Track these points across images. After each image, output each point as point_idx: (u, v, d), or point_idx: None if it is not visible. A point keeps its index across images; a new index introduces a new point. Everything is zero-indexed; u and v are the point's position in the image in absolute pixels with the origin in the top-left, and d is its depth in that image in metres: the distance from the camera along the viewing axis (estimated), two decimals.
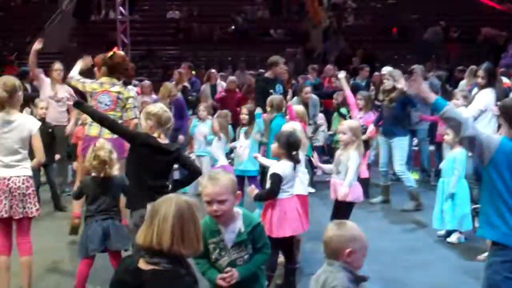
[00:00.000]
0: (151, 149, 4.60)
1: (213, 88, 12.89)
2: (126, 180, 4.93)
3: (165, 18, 24.02)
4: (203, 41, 21.77)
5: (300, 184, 5.44)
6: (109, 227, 4.86)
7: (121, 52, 6.88)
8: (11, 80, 4.91)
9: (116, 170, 4.98)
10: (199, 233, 2.64)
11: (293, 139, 5.05)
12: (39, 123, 5.00)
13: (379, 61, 17.84)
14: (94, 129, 6.32)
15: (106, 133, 5.87)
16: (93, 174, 5.00)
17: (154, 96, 10.95)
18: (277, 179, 4.91)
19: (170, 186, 4.75)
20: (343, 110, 9.41)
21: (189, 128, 9.34)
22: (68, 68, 7.45)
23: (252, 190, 4.93)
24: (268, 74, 9.13)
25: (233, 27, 22.40)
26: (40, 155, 4.91)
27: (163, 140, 4.73)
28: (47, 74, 8.89)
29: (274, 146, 5.10)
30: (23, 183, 4.80)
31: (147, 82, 11.94)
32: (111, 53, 6.59)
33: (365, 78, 13.46)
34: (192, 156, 9.05)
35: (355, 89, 9.59)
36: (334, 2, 25.12)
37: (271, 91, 8.47)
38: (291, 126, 5.72)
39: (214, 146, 7.61)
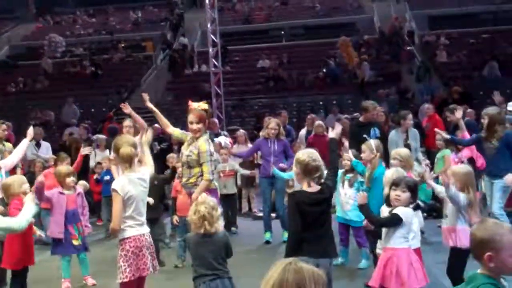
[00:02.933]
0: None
1: (309, 134, 12.81)
2: (229, 237, 4.79)
3: (255, 67, 24.37)
4: (294, 87, 21.82)
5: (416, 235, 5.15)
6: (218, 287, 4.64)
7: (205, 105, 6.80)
8: (132, 138, 5.18)
9: (219, 227, 4.74)
10: None
11: (413, 184, 4.91)
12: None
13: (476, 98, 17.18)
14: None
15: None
16: (195, 230, 4.86)
17: (249, 145, 10.94)
18: (397, 219, 4.76)
19: None
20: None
21: None
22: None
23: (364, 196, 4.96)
24: (361, 119, 8.91)
25: (324, 70, 22.34)
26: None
27: (312, 188, 4.60)
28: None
29: (404, 195, 4.89)
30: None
31: (241, 131, 11.98)
32: (204, 106, 6.60)
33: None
34: None
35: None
36: (425, 40, 24.68)
37: (365, 136, 8.22)
38: (396, 170, 5.45)
39: None
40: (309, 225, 4.49)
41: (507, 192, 7.69)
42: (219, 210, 4.76)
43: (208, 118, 6.67)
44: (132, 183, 4.86)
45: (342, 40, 22.32)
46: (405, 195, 4.81)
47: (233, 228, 9.81)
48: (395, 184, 4.89)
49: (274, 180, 8.90)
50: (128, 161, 4.90)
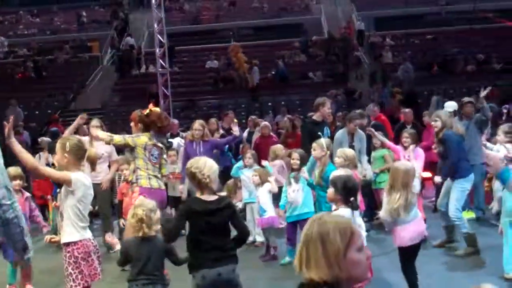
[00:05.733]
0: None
1: (251, 135, 12.86)
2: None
3: (204, 68, 24.27)
4: (243, 88, 21.85)
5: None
6: None
7: (157, 109, 6.87)
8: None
9: (156, 231, 4.64)
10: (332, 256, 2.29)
11: (351, 184, 4.76)
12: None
13: (422, 98, 17.55)
14: (154, 181, 6.51)
15: None
16: (134, 234, 4.76)
17: None
18: None
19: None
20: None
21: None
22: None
23: None
24: (315, 117, 8.86)
25: (273, 72, 22.43)
26: None
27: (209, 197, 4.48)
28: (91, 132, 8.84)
29: (330, 191, 4.82)
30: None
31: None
32: (147, 110, 6.62)
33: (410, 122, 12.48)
34: (239, 205, 8.91)
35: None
36: (371, 41, 25.10)
37: (319, 133, 8.21)
38: (345, 171, 5.45)
39: (262, 196, 7.38)
40: (204, 233, 4.40)
41: (465, 194, 7.77)
42: (158, 212, 4.68)
43: (144, 121, 6.70)
44: (85, 179, 4.73)
45: (233, 45, 22.39)
46: (330, 191, 4.80)
47: (182, 231, 9.69)
48: (332, 183, 4.87)
49: None
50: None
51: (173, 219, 4.75)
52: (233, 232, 4.60)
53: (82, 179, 4.68)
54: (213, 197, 4.40)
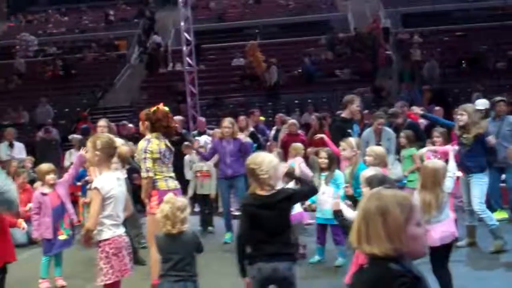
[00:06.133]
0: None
1: (278, 133, 12.83)
2: (198, 236, 4.75)
3: (230, 66, 24.28)
4: (270, 86, 21.79)
5: None
6: None
7: (165, 108, 6.65)
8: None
9: (183, 229, 4.61)
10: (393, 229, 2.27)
11: (387, 183, 4.62)
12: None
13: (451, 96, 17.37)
14: (170, 182, 6.40)
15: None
16: (161, 229, 4.78)
17: None
18: None
19: None
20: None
21: None
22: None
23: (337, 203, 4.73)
24: (345, 114, 8.80)
25: (299, 70, 22.34)
26: None
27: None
28: (119, 129, 8.89)
29: (365, 190, 4.75)
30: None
31: (217, 130, 11.90)
32: (154, 108, 6.54)
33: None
34: None
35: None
36: (399, 38, 24.85)
37: (349, 131, 8.15)
38: (376, 170, 5.42)
39: None
40: (261, 227, 4.37)
41: (485, 187, 7.69)
42: (187, 211, 4.64)
43: (151, 118, 6.47)
44: (113, 182, 4.81)
45: (250, 44, 22.18)
46: (365, 191, 4.73)
47: (210, 228, 9.75)
48: (368, 183, 4.84)
49: (232, 180, 8.83)
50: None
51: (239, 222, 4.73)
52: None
53: (108, 183, 4.77)
54: (270, 192, 4.36)
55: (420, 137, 9.36)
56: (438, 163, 5.77)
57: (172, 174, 6.62)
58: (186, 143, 11.07)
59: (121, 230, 4.91)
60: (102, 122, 8.57)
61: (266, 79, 21.42)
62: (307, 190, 4.71)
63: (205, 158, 9.60)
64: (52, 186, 7.01)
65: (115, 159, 5.01)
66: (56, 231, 6.87)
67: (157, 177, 6.41)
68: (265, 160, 4.36)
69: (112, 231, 4.80)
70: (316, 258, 7.32)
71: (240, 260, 4.40)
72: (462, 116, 7.64)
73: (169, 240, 4.59)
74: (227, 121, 8.99)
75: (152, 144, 6.34)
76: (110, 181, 4.79)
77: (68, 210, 7.05)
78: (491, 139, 7.66)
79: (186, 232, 4.61)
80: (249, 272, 4.41)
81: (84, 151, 6.17)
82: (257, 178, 4.34)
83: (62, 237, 6.92)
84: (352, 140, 6.96)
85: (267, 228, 4.32)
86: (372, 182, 4.68)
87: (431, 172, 5.39)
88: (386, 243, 2.26)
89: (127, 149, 7.48)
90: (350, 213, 5.10)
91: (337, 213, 4.73)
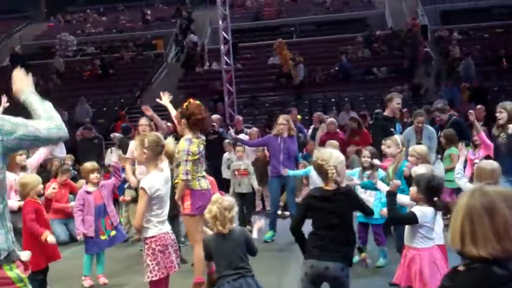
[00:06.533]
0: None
1: (315, 131, 12.78)
2: (248, 233, 4.75)
3: (266, 64, 24.28)
4: (306, 84, 21.73)
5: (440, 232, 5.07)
6: (242, 287, 4.55)
7: (197, 101, 6.63)
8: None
9: (232, 227, 4.62)
10: (501, 228, 2.12)
11: (435, 183, 4.65)
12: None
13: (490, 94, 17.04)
14: (203, 182, 6.42)
15: None
16: (211, 229, 4.79)
17: None
18: (412, 218, 4.59)
19: None
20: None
21: None
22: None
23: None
24: (387, 113, 8.71)
25: (336, 68, 22.19)
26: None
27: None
28: (156, 128, 8.84)
29: (413, 190, 4.72)
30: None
31: (254, 129, 11.94)
32: (186, 103, 6.52)
33: (481, 119, 11.33)
34: None
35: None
36: (438, 35, 24.49)
37: (392, 129, 8.07)
38: (426, 167, 5.37)
39: None
40: (319, 221, 4.43)
41: None
42: (235, 210, 4.64)
43: (185, 114, 6.44)
44: (159, 181, 4.86)
45: (278, 42, 21.95)
46: (413, 190, 4.70)
47: (248, 227, 9.76)
48: (415, 182, 4.80)
49: (284, 179, 8.78)
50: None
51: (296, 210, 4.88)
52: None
53: (155, 184, 4.82)
54: (335, 187, 4.44)
55: (465, 135, 9.20)
56: (494, 163, 5.67)
57: (204, 174, 6.61)
58: (227, 140, 11.13)
59: (167, 227, 4.97)
60: (143, 121, 8.63)
61: (293, 77, 21.33)
62: (366, 207, 4.79)
63: (248, 144, 9.70)
64: (96, 184, 7.11)
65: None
66: (98, 231, 6.96)
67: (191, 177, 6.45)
68: (333, 156, 4.43)
69: (158, 228, 4.86)
70: (356, 258, 7.25)
71: (301, 245, 4.54)
72: (501, 113, 7.50)
73: (220, 240, 4.59)
74: (282, 118, 8.94)
75: (193, 145, 6.34)
76: (157, 182, 4.84)
77: (110, 212, 7.14)
78: None
79: (235, 230, 4.64)
80: (302, 267, 4.45)
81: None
82: (325, 173, 4.39)
83: (103, 237, 7.02)
84: (397, 137, 6.92)
85: (324, 222, 4.38)
86: (420, 182, 4.65)
87: (488, 173, 5.30)
88: (494, 244, 2.11)
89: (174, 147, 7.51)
90: (404, 198, 5.10)
91: (391, 193, 4.80)
